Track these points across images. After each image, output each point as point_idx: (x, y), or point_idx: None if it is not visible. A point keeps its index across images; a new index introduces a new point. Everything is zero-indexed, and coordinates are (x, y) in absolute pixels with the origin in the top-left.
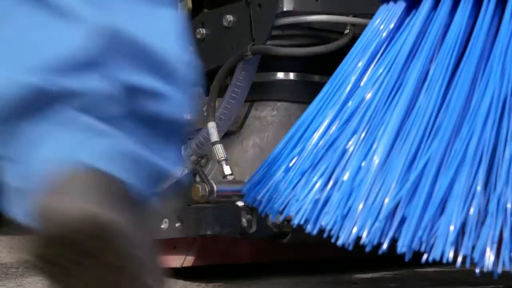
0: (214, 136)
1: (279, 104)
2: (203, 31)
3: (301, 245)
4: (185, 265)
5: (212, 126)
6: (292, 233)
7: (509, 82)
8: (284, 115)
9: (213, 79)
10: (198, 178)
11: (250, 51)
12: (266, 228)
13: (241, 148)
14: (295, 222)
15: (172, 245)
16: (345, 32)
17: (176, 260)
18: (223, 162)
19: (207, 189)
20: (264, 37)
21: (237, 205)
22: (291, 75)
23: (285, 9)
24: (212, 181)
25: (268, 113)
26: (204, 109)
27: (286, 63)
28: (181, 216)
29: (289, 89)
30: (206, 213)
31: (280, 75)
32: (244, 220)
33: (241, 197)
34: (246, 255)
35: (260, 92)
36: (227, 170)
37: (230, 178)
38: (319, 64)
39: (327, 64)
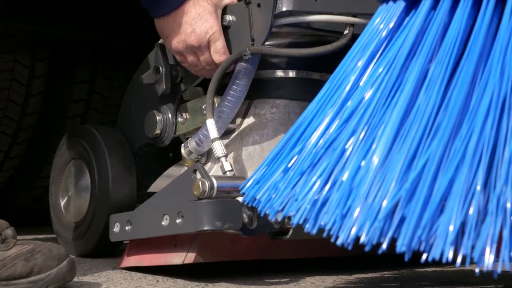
0: (214, 133)
1: (278, 101)
2: None
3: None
4: (186, 262)
5: (211, 123)
6: (293, 229)
7: (509, 81)
8: (283, 113)
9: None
10: (198, 175)
11: (250, 51)
12: (267, 225)
13: (241, 145)
14: (295, 221)
15: (173, 243)
16: (344, 33)
17: (178, 258)
18: (223, 159)
19: (207, 185)
20: (263, 37)
21: (238, 201)
22: (291, 73)
23: (284, 9)
24: (212, 177)
25: (268, 110)
26: (203, 107)
27: (285, 61)
28: (181, 212)
29: (289, 86)
30: (207, 208)
31: (280, 72)
32: (245, 216)
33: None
34: (248, 252)
35: (259, 90)
36: (227, 166)
37: (230, 174)
38: (318, 62)
39: (327, 62)
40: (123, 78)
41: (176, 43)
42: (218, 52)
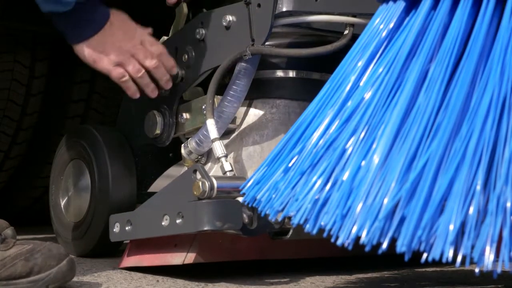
0: (214, 133)
1: (278, 101)
2: (203, 31)
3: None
4: (186, 262)
5: (211, 123)
6: (293, 230)
7: (509, 81)
8: (283, 113)
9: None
10: (198, 175)
11: (250, 51)
12: (268, 225)
13: (241, 145)
14: (295, 221)
15: (173, 243)
16: (344, 33)
17: (178, 258)
18: (223, 159)
19: (207, 185)
20: (263, 37)
21: (238, 201)
22: (291, 73)
23: (284, 9)
24: (212, 177)
25: (268, 110)
26: (203, 107)
27: (285, 61)
28: (181, 212)
29: (289, 86)
30: (207, 208)
31: (280, 72)
32: (245, 216)
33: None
34: (248, 252)
35: (259, 90)
36: (227, 166)
37: (230, 174)
38: (318, 62)
39: (327, 62)
40: None
41: (115, 55)
42: (150, 41)
